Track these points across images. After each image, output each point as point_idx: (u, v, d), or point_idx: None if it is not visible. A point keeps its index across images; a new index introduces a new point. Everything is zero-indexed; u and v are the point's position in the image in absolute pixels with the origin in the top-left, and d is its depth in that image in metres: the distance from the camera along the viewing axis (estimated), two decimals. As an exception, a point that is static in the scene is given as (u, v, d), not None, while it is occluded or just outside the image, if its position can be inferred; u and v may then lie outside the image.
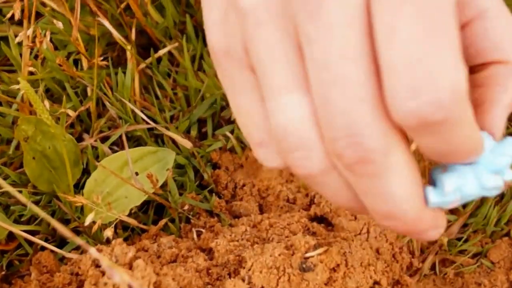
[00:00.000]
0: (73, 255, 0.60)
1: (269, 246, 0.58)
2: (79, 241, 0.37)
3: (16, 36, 0.66)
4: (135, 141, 0.71)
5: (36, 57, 0.71)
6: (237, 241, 0.60)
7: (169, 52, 0.76)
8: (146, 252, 0.60)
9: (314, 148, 0.33)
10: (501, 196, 0.70)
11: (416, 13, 0.29)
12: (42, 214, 0.41)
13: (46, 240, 0.63)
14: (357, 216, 0.66)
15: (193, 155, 0.69)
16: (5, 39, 0.72)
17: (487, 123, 0.38)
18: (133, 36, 0.75)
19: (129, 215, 0.63)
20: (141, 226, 0.63)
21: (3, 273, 0.63)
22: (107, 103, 0.70)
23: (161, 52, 0.75)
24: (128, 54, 0.72)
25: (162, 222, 0.63)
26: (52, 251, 0.61)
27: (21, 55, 0.69)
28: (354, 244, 0.60)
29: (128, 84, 0.71)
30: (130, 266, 0.54)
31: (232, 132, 0.72)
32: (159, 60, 0.76)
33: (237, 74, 0.35)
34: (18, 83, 0.70)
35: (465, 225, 0.69)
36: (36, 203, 0.65)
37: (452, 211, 0.71)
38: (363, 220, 0.65)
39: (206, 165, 0.70)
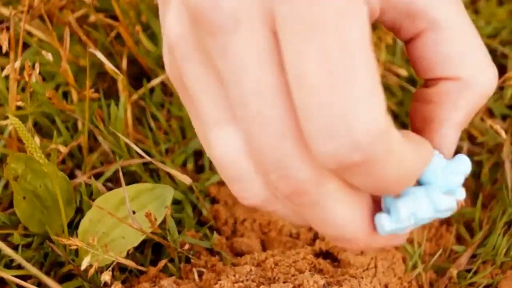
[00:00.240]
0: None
1: (276, 287, 0.56)
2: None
3: (3, 69, 0.63)
4: (130, 175, 0.68)
5: (23, 89, 0.67)
6: (242, 282, 0.57)
7: (162, 82, 0.73)
8: (146, 296, 0.57)
9: (251, 180, 0.33)
10: (509, 224, 0.69)
11: (322, 54, 0.27)
12: (29, 267, 0.38)
13: (38, 285, 0.60)
14: (363, 251, 0.64)
15: (190, 190, 0.67)
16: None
17: (436, 142, 0.36)
18: (124, 65, 0.72)
19: (126, 255, 0.60)
20: (139, 267, 0.60)
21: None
22: (99, 137, 0.67)
23: (154, 82, 0.72)
24: (120, 85, 0.69)
25: (162, 263, 0.60)
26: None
27: (7, 88, 0.66)
28: (364, 282, 0.58)
29: (121, 117, 0.68)
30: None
31: (230, 164, 0.69)
32: (151, 90, 0.73)
33: (188, 104, 0.34)
34: (5, 118, 0.67)
35: (473, 256, 0.67)
36: (28, 245, 0.61)
37: (460, 241, 0.69)
38: (369, 254, 0.63)
39: (205, 200, 0.67)
